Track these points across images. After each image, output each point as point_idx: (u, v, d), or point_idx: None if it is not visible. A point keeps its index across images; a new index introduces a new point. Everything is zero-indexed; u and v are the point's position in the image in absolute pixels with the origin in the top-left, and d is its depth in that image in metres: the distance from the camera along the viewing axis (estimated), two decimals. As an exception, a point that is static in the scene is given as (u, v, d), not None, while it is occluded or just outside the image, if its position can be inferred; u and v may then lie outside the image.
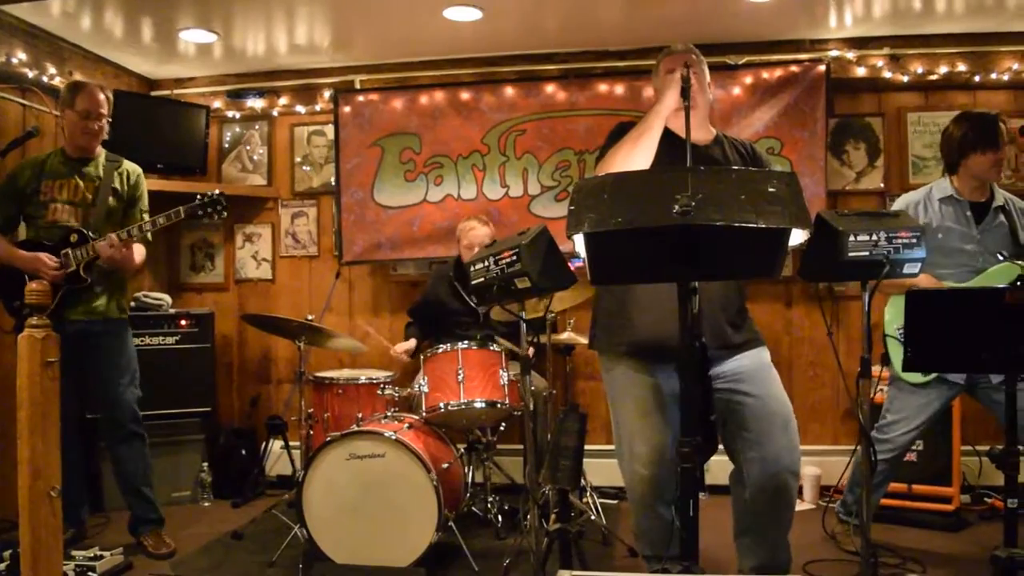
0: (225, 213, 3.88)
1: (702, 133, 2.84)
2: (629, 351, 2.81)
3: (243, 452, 5.11)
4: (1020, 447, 2.51)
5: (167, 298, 5.05)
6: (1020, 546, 2.48)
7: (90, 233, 3.73)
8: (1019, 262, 3.37)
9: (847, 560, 3.62)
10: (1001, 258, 3.38)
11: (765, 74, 4.84)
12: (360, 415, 3.96)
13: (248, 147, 5.53)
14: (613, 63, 5.04)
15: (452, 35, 4.77)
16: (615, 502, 4.56)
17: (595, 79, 5.00)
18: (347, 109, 5.18)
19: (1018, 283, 2.24)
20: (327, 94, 5.30)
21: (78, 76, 4.69)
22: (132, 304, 4.31)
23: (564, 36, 4.89)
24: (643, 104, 4.80)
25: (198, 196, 3.85)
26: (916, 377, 3.45)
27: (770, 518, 2.80)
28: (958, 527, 4.12)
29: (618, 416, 2.89)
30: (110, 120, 3.97)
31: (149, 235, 3.86)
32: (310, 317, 3.97)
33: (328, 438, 3.55)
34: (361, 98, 5.19)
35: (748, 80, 4.84)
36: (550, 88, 5.02)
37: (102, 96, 3.84)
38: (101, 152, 3.94)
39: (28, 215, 3.82)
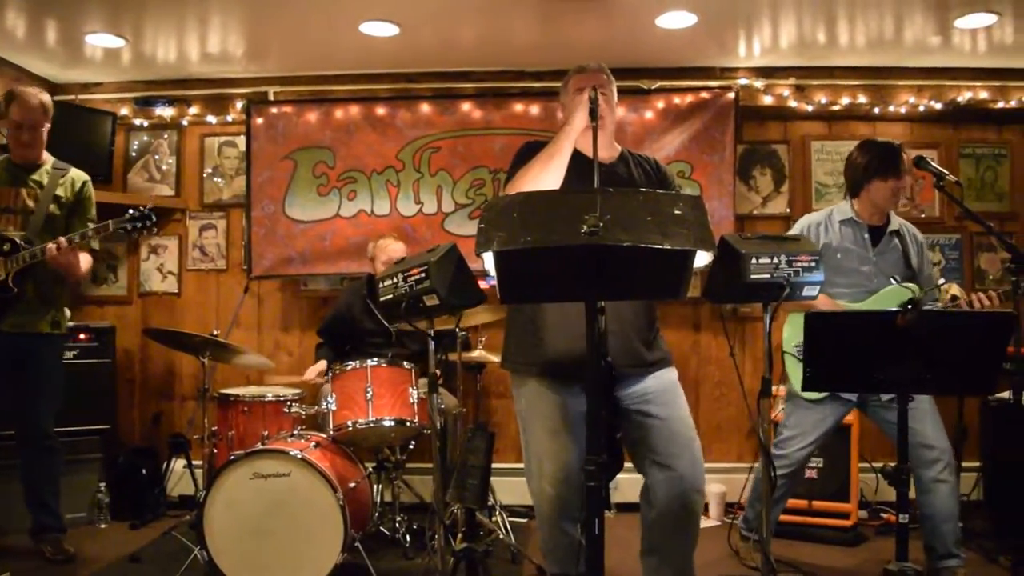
0: (156, 230, 3.81)
1: (607, 151, 2.88)
2: (540, 369, 2.80)
3: (143, 471, 4.91)
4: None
5: (66, 311, 4.85)
6: (912, 559, 2.56)
7: (22, 243, 3.67)
8: (909, 285, 3.53)
9: (750, 575, 3.69)
10: (894, 282, 3.53)
11: (677, 99, 4.96)
12: (266, 433, 3.85)
13: (156, 156, 5.38)
14: (529, 83, 5.09)
15: (368, 50, 4.74)
16: (524, 520, 4.56)
17: (511, 99, 5.04)
18: (260, 121, 5.09)
19: (908, 307, 2.33)
20: (239, 105, 5.21)
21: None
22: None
23: (480, 55, 4.92)
24: (558, 125, 4.85)
25: (129, 210, 3.73)
26: (811, 394, 3.56)
27: (675, 538, 2.83)
28: (856, 542, 4.25)
29: (527, 434, 2.88)
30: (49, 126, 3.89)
31: (96, 244, 3.86)
32: (215, 332, 3.88)
33: (231, 456, 3.45)
34: (274, 110, 5.11)
35: (660, 105, 4.96)
36: (466, 106, 5.03)
37: (36, 103, 3.77)
38: (48, 159, 3.91)
39: None
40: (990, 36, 4.57)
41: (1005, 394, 4.13)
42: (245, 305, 5.06)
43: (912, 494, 3.41)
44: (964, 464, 4.35)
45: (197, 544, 3.47)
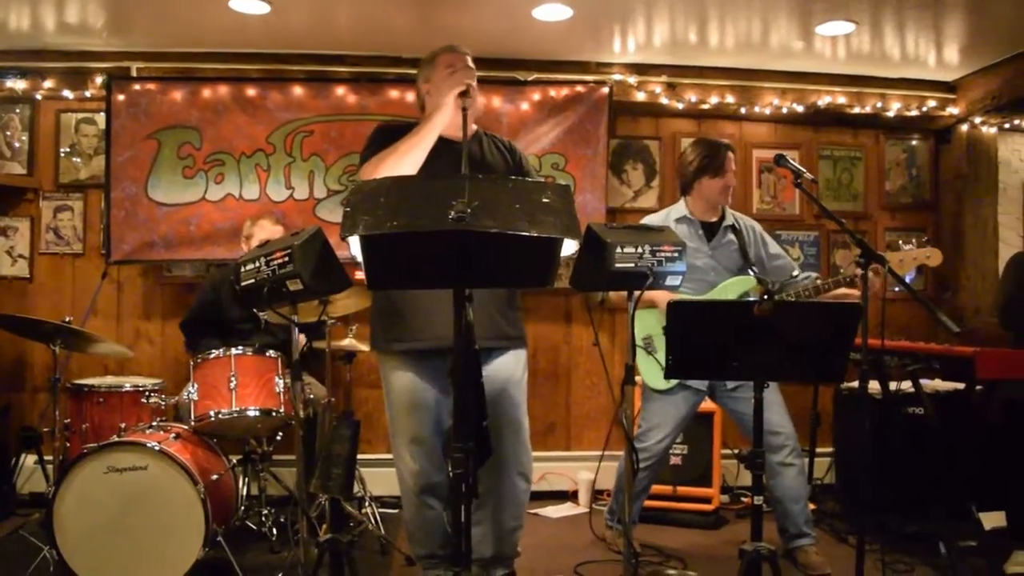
0: None
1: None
2: (402, 348, 2.92)
3: (-10, 467, 4.64)
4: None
5: None
6: (766, 540, 2.67)
7: None
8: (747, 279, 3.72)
9: (616, 561, 3.78)
10: (751, 272, 3.68)
11: (552, 92, 5.00)
12: (123, 425, 3.69)
13: (7, 132, 5.04)
14: (405, 70, 5.02)
15: (238, 27, 4.58)
16: (395, 511, 4.51)
17: (387, 84, 4.97)
18: (121, 97, 4.83)
19: (765, 297, 2.42)
20: (99, 80, 4.92)
21: None
22: None
23: (356, 39, 4.82)
24: (422, 97, 4.83)
25: None
26: (661, 384, 3.68)
27: (501, 515, 3.04)
28: (717, 525, 4.42)
29: (390, 409, 3.02)
30: None
31: None
32: (68, 319, 3.67)
33: (84, 450, 3.28)
34: (137, 87, 4.86)
35: (536, 97, 4.99)
36: (340, 90, 4.93)
37: None
38: None
39: None
40: (848, 44, 4.81)
41: (855, 383, 4.36)
42: (103, 291, 4.83)
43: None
44: (818, 449, 4.60)
45: (47, 543, 3.28)
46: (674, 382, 3.66)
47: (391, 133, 2.89)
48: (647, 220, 3.89)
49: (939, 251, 3.46)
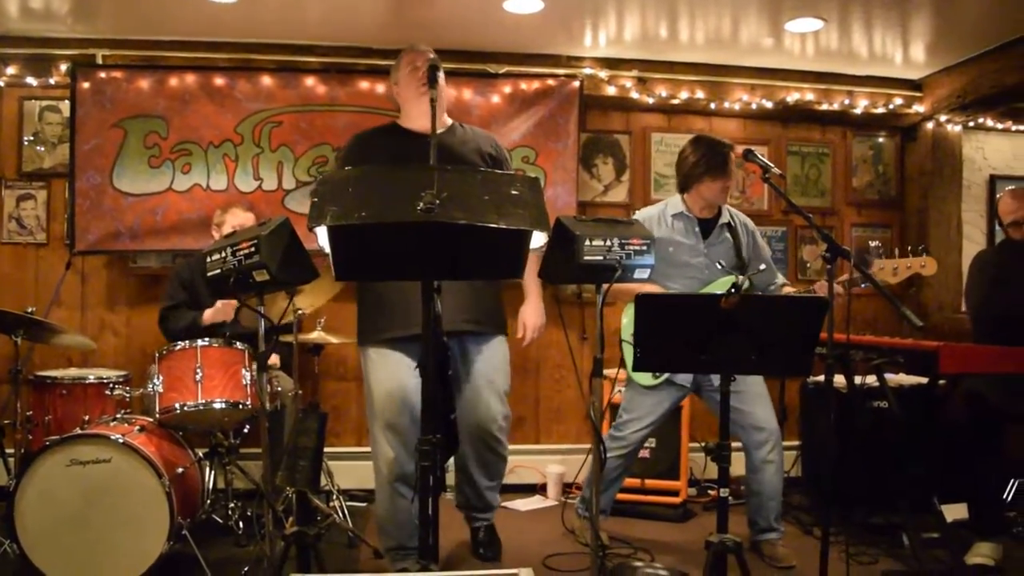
0: None
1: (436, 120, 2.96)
2: (383, 338, 3.05)
3: (-52, 461, 4.54)
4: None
5: None
6: (732, 531, 2.69)
7: None
8: (742, 275, 3.70)
9: (584, 553, 3.78)
10: (719, 267, 3.69)
11: (524, 85, 5.00)
12: (86, 418, 3.65)
13: (-31, 120, 4.94)
14: (376, 61, 4.99)
15: (207, 15, 4.51)
16: (363, 505, 4.50)
17: (357, 75, 4.93)
18: (86, 85, 4.75)
19: (731, 291, 2.44)
20: (64, 67, 4.83)
21: None
22: None
23: (326, 29, 4.78)
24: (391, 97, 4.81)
25: None
26: (648, 379, 3.68)
27: (479, 481, 3.39)
28: (685, 518, 4.45)
29: (370, 398, 3.13)
30: None
31: None
32: (31, 310, 3.61)
33: (46, 442, 3.23)
34: (103, 75, 4.78)
35: (507, 90, 4.98)
36: (310, 81, 4.88)
37: None
38: None
39: None
40: (817, 41, 4.85)
41: (821, 377, 4.40)
42: (67, 282, 4.76)
43: (741, 472, 3.65)
44: (785, 443, 4.63)
45: (7, 537, 3.23)
46: (662, 379, 3.67)
47: (367, 144, 2.94)
48: (639, 214, 3.89)
49: (934, 260, 3.41)
